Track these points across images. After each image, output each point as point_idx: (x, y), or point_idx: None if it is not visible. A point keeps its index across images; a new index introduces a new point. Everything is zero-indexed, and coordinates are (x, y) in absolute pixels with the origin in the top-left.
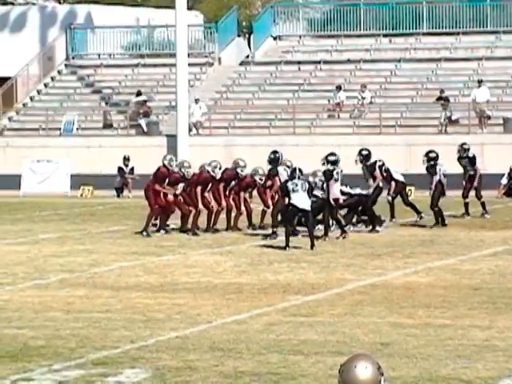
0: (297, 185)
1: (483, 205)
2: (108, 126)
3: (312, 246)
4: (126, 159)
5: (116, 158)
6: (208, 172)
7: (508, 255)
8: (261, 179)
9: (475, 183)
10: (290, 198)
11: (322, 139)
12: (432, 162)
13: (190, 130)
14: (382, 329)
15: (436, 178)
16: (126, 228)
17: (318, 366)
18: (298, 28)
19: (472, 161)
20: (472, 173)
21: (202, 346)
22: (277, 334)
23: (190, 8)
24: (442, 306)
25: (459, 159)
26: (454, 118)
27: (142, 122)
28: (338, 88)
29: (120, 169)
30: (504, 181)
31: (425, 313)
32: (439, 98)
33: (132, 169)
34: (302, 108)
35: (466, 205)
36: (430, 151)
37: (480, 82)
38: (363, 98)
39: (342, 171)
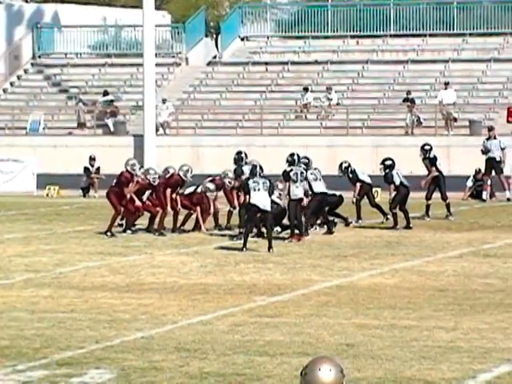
0: (258, 183)
1: (448, 207)
2: (81, 124)
3: (270, 247)
4: (92, 159)
5: (82, 157)
6: (179, 175)
7: (473, 257)
8: (230, 182)
9: (424, 182)
10: (250, 197)
11: (289, 140)
12: (387, 170)
13: (157, 130)
14: (348, 330)
15: (396, 183)
16: (92, 228)
17: (283, 366)
18: (265, 29)
19: (432, 162)
20: (435, 174)
21: (167, 347)
22: (242, 335)
23: (157, 8)
24: (407, 308)
25: (423, 160)
26: (422, 119)
27: (109, 121)
28: (306, 89)
29: (86, 169)
30: (469, 183)
31: (390, 314)
32: (405, 100)
33: (98, 168)
34: (270, 109)
35: (428, 206)
36: (386, 159)
37: (446, 84)
38: (330, 100)
39: (302, 173)
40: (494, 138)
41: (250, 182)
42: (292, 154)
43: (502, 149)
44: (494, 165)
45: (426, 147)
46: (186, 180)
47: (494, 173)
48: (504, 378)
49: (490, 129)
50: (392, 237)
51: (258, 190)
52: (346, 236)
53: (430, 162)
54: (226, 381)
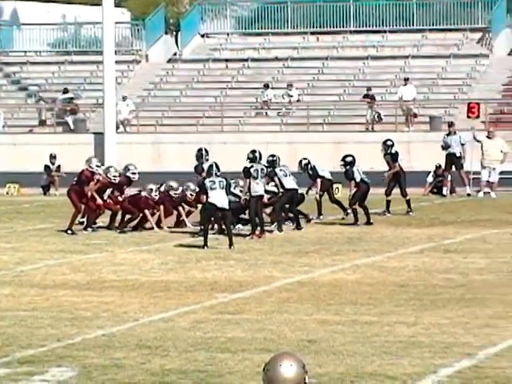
0: (214, 182)
1: (408, 203)
2: (42, 122)
3: (230, 244)
4: (53, 157)
5: (43, 155)
6: (127, 176)
7: (434, 252)
8: (191, 195)
9: (387, 174)
10: (207, 196)
11: (249, 137)
12: (348, 167)
13: (117, 127)
14: (309, 326)
15: (356, 180)
16: (52, 226)
17: (245, 363)
18: (225, 26)
19: (393, 157)
20: (396, 170)
21: (128, 344)
22: (204, 332)
23: (116, 5)
24: (368, 303)
25: (384, 156)
26: (382, 116)
27: (69, 119)
28: (266, 86)
29: (46, 167)
30: (430, 179)
31: (351, 310)
32: (366, 96)
33: (59, 166)
34: (230, 106)
35: (388, 202)
36: (347, 156)
37: (406, 80)
38: (291, 96)
39: (262, 169)
40: (454, 133)
41: (207, 181)
42: (253, 151)
43: (462, 144)
44: (454, 160)
45: (388, 142)
46: (134, 180)
47: (454, 168)
48: (465, 372)
49: (450, 124)
50: (353, 233)
51: (215, 188)
52: (307, 232)
53: (392, 157)
54: (187, 377)
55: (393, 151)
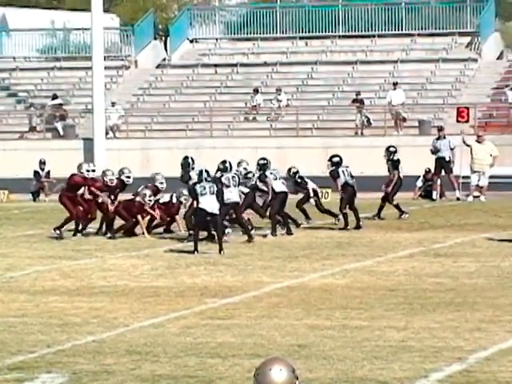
0: (205, 188)
1: (398, 207)
2: (33, 128)
3: (220, 250)
4: (42, 163)
5: (32, 161)
6: (120, 179)
7: (423, 256)
8: (186, 199)
9: (390, 187)
10: (198, 202)
11: (239, 142)
12: (334, 167)
13: (106, 133)
14: (299, 331)
15: (340, 181)
16: (42, 232)
17: (235, 368)
18: (214, 31)
19: (394, 164)
20: (397, 175)
21: (118, 350)
22: (194, 337)
23: (105, 11)
24: (358, 308)
25: (386, 162)
26: (372, 120)
27: (58, 125)
28: (255, 91)
29: (36, 172)
30: (419, 183)
31: (341, 314)
32: (355, 101)
33: (48, 172)
34: (219, 111)
35: (381, 208)
36: (334, 156)
37: (395, 84)
38: (279, 101)
39: (233, 177)
40: (444, 137)
41: (197, 186)
42: (224, 162)
43: (452, 148)
44: (443, 164)
45: (391, 149)
46: (128, 183)
47: (443, 172)
48: (456, 376)
49: (440, 129)
50: (343, 237)
51: (205, 194)
52: (296, 237)
53: (393, 164)
54: (178, 383)
55: (394, 158)
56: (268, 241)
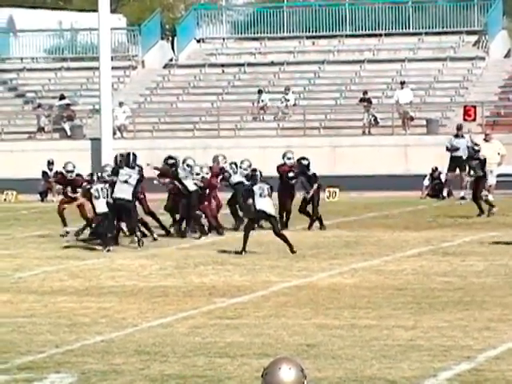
0: (263, 190)
1: (484, 203)
2: (41, 129)
3: (292, 250)
4: (50, 163)
5: (40, 162)
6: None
7: (431, 255)
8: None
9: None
10: (255, 204)
11: (246, 142)
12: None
13: (114, 133)
14: (308, 330)
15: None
16: (50, 232)
17: (243, 368)
18: (221, 31)
19: (482, 163)
20: (481, 174)
21: (127, 350)
22: (202, 337)
23: (112, 11)
24: (366, 307)
25: (467, 159)
26: (379, 119)
27: (66, 125)
28: (260, 91)
29: (44, 173)
30: (426, 182)
31: (350, 314)
32: (362, 100)
33: (56, 173)
34: (227, 111)
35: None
36: (303, 158)
37: (403, 83)
38: (287, 100)
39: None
40: (462, 136)
41: (255, 188)
42: (254, 170)
43: (468, 147)
44: (459, 163)
45: (476, 147)
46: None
47: (457, 171)
48: (464, 375)
49: (459, 127)
50: (350, 237)
51: (265, 195)
52: (304, 236)
53: (480, 163)
54: (186, 383)
55: (480, 157)
56: (275, 240)
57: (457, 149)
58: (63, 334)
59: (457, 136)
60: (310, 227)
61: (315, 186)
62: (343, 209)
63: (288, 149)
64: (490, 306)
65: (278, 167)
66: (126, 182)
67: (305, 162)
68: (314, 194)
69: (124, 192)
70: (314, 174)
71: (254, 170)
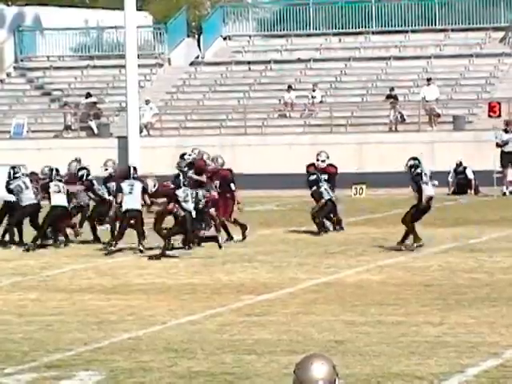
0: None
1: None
2: (68, 127)
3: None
4: (77, 161)
5: (67, 160)
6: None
7: (458, 252)
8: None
9: None
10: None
11: (273, 139)
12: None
13: (140, 131)
14: (335, 327)
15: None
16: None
17: (271, 365)
18: (247, 28)
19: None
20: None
21: (155, 347)
22: (231, 334)
23: (138, 9)
24: (394, 304)
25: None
26: (405, 116)
27: (93, 123)
28: (289, 87)
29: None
30: (450, 178)
31: (377, 310)
32: (389, 97)
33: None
34: (253, 108)
35: None
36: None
37: (429, 80)
38: (314, 98)
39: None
40: (511, 131)
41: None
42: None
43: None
44: (511, 158)
45: None
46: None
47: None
48: (491, 371)
49: (508, 123)
50: (377, 233)
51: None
52: (331, 234)
53: None
54: (214, 380)
55: None
56: (303, 237)
57: (506, 143)
58: (91, 331)
59: (506, 131)
60: (334, 228)
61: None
62: (370, 206)
63: (314, 146)
64: None
65: (308, 166)
66: (130, 192)
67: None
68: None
69: (132, 203)
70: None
71: (178, 175)
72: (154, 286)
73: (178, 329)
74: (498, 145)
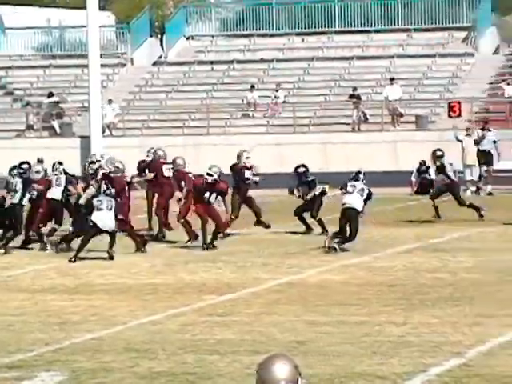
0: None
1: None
2: (30, 127)
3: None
4: (40, 161)
5: (29, 160)
6: None
7: (422, 251)
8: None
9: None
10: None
11: (236, 139)
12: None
13: (103, 131)
14: (298, 327)
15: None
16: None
17: (234, 365)
18: (210, 28)
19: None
20: (448, 181)
21: (117, 348)
22: (192, 334)
23: (101, 8)
24: (356, 304)
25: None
26: (368, 115)
27: (55, 123)
28: (252, 87)
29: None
30: (413, 178)
31: (340, 310)
32: (351, 96)
33: (45, 171)
34: (216, 108)
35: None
36: (299, 166)
37: (392, 79)
38: (277, 98)
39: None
40: (489, 130)
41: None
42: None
43: (494, 142)
44: (486, 157)
45: (438, 153)
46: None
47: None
48: (454, 371)
49: (486, 121)
50: None
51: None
52: (294, 234)
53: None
54: (176, 380)
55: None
56: (266, 238)
57: (481, 141)
58: (53, 332)
59: (483, 129)
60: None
61: (317, 190)
62: (333, 206)
63: (277, 146)
64: (479, 301)
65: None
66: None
67: (301, 170)
68: (316, 198)
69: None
70: (313, 180)
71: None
72: (116, 287)
73: (139, 329)
74: (475, 142)
